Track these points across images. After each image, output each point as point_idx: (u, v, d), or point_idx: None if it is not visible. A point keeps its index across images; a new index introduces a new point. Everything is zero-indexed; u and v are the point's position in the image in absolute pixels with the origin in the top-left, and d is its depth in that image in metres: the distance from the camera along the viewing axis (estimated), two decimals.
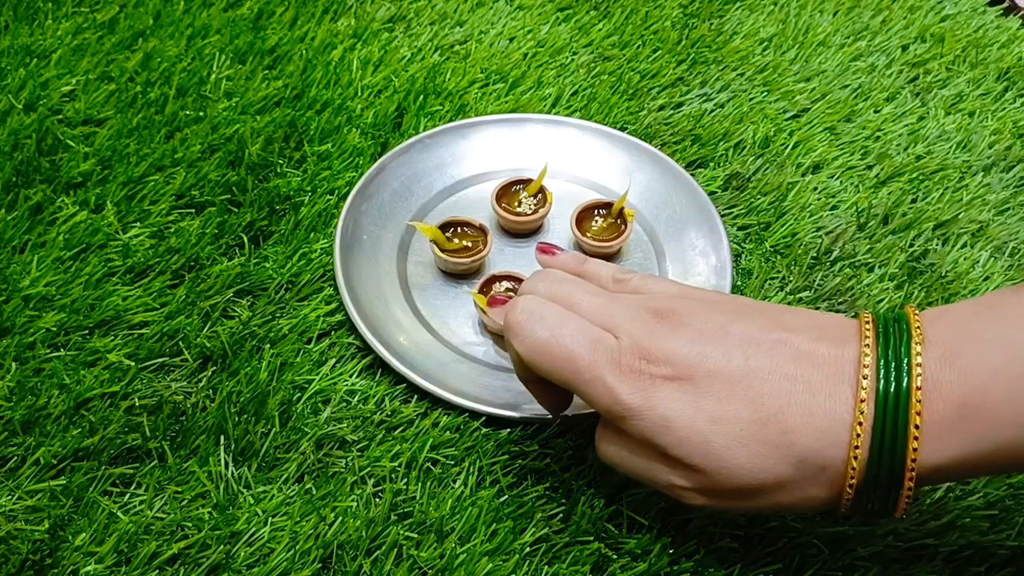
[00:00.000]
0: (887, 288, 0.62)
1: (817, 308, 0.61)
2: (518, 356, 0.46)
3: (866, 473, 0.40)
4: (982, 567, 0.49)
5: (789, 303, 0.60)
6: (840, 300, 0.61)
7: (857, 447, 0.39)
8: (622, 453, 0.45)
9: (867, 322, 0.42)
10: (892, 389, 0.39)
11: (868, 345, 0.40)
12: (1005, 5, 0.84)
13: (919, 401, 0.39)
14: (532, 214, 0.63)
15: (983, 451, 0.39)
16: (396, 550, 0.48)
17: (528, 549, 0.49)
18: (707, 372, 0.41)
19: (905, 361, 0.39)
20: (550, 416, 0.52)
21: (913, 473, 0.39)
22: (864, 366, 0.40)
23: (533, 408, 0.54)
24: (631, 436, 0.43)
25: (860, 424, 0.39)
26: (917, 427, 0.39)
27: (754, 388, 0.41)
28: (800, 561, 0.49)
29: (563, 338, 0.43)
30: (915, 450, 0.39)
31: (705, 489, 0.42)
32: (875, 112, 0.74)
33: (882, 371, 0.40)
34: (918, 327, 0.40)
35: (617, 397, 0.42)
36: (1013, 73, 0.77)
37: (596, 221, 0.63)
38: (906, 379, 0.39)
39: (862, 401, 0.39)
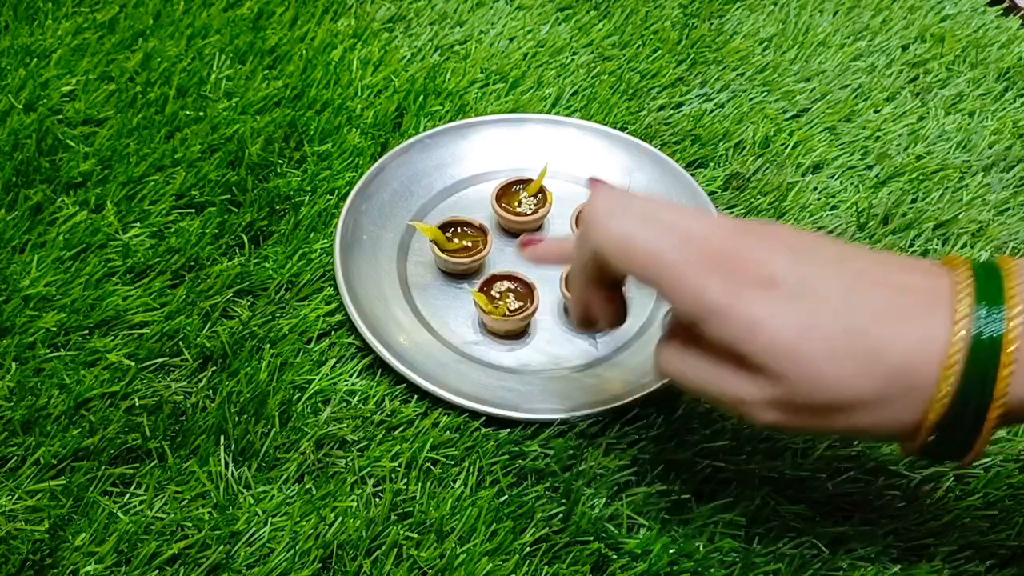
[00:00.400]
0: None
1: None
2: (589, 253, 0.44)
3: (955, 397, 0.39)
4: (982, 567, 0.49)
5: None
6: None
7: (951, 367, 0.38)
8: (690, 362, 0.43)
9: (958, 263, 0.41)
10: (987, 321, 0.38)
11: (961, 280, 0.40)
12: (1005, 5, 0.84)
13: (1012, 330, 0.38)
14: (532, 214, 0.63)
15: None
16: (396, 550, 0.48)
17: (528, 549, 0.49)
18: (800, 281, 0.40)
19: (1000, 296, 0.39)
20: (611, 328, 0.49)
21: (1004, 400, 0.38)
22: (960, 292, 0.39)
23: (533, 408, 0.54)
24: (707, 342, 0.41)
25: (955, 346, 0.38)
26: (1010, 354, 0.38)
27: (848, 301, 0.39)
28: (800, 561, 0.49)
29: (652, 232, 0.41)
30: (1007, 376, 0.38)
31: (781, 402, 0.40)
32: (875, 112, 0.74)
33: (979, 304, 0.39)
34: (1011, 267, 0.40)
35: (703, 295, 0.40)
36: (1013, 73, 0.77)
37: None
38: (1002, 310, 0.38)
39: (957, 323, 0.38)
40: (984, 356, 0.38)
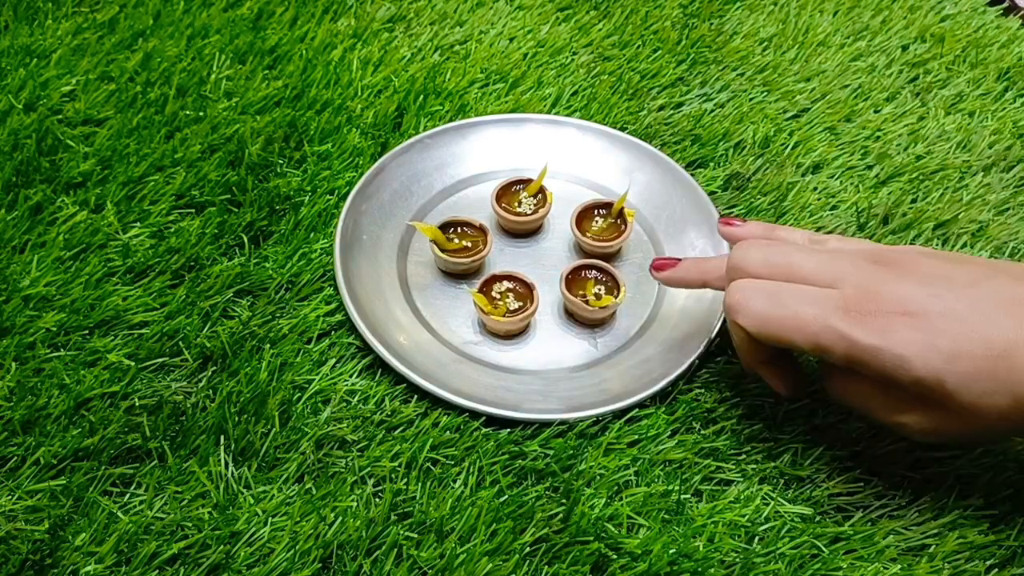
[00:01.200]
0: None
1: None
2: (745, 336, 0.48)
3: None
4: (982, 567, 0.49)
5: None
6: None
7: None
8: (859, 391, 0.47)
9: None
10: None
11: None
12: (1005, 5, 0.84)
13: None
14: (532, 214, 0.63)
15: None
16: (396, 550, 0.48)
17: (528, 549, 0.49)
18: (941, 311, 0.43)
19: None
20: (785, 396, 0.52)
21: None
22: None
23: (533, 408, 0.54)
24: (867, 377, 0.45)
25: None
26: None
27: (984, 327, 0.42)
28: (800, 561, 0.49)
29: (785, 302, 0.46)
30: None
31: (931, 426, 0.45)
32: (875, 112, 0.74)
33: None
34: None
35: (854, 340, 0.44)
36: (1013, 73, 0.77)
37: (596, 221, 0.63)
38: None
39: None
40: None
